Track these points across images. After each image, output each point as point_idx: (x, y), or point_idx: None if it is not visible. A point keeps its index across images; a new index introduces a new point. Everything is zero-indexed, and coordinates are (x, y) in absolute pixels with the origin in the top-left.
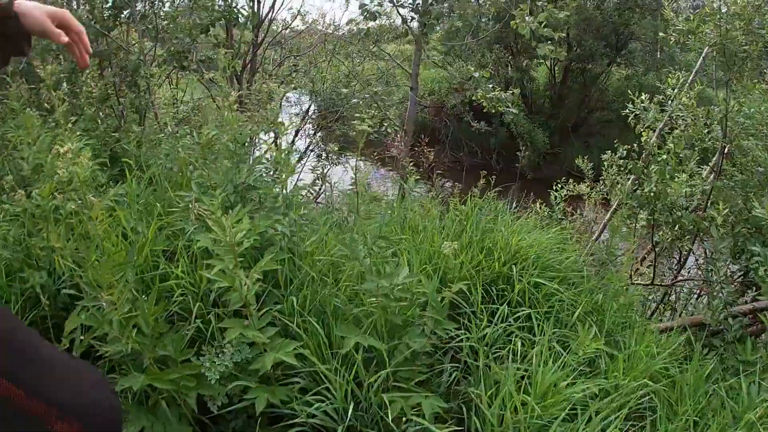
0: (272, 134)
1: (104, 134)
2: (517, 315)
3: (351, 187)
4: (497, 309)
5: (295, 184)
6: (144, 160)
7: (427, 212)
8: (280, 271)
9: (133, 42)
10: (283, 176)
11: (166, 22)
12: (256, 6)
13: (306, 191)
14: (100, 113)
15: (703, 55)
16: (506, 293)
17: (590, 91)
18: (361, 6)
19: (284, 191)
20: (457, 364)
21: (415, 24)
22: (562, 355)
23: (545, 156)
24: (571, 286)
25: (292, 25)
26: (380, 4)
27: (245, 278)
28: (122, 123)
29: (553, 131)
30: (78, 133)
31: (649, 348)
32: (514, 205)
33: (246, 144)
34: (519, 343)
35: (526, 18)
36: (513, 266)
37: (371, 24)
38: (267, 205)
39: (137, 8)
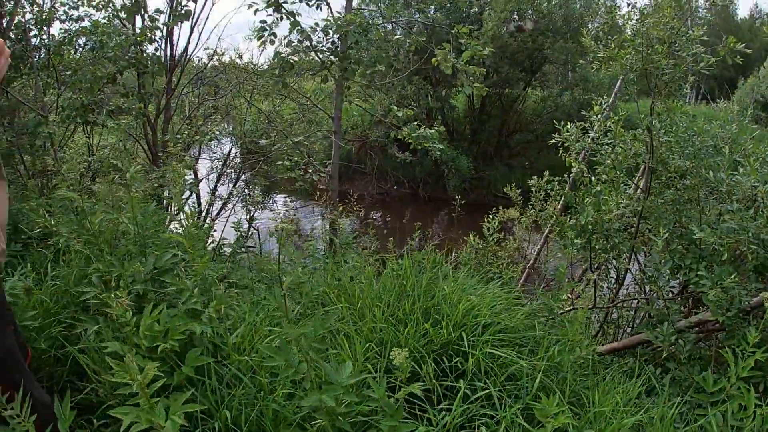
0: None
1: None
2: (477, 395)
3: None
4: (452, 385)
5: (218, 243)
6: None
7: (362, 270)
8: (207, 376)
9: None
10: (198, 267)
11: (68, 72)
12: (169, 50)
13: (231, 250)
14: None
15: (621, 78)
16: (459, 364)
17: (509, 114)
18: (276, 54)
19: (198, 288)
20: None
21: (335, 67)
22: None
23: (471, 181)
24: (525, 348)
25: (209, 65)
26: (296, 51)
27: (165, 419)
28: (25, 189)
29: (476, 156)
30: None
31: (614, 398)
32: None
33: (149, 226)
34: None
35: (449, 56)
36: (462, 333)
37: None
38: (182, 303)
39: (36, 58)
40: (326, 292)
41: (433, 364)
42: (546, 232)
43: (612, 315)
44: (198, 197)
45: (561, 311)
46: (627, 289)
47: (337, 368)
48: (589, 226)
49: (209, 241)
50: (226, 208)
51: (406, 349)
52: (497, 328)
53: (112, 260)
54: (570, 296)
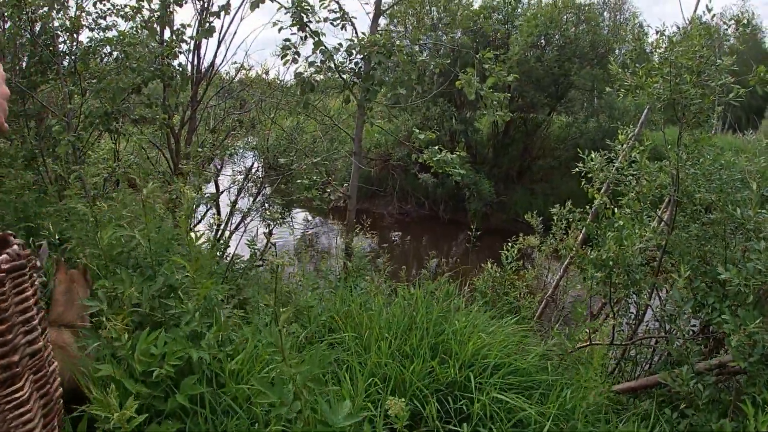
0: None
1: (23, 207)
2: None
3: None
4: (455, 430)
5: (231, 259)
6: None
7: (373, 296)
8: (201, 404)
9: (60, 100)
10: (199, 293)
11: (94, 80)
12: (196, 61)
13: (244, 267)
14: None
15: (647, 107)
16: (465, 407)
17: (532, 139)
18: (297, 75)
19: (198, 313)
20: None
21: (357, 88)
22: None
23: (491, 204)
24: (536, 391)
25: (236, 79)
26: (318, 71)
27: None
28: (45, 193)
29: (498, 180)
30: None
31: None
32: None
33: (163, 243)
34: None
35: (473, 80)
36: (470, 373)
37: (313, 82)
38: (183, 325)
39: (64, 64)
40: (334, 318)
41: (437, 404)
42: (566, 262)
43: (630, 352)
44: (218, 209)
45: (577, 347)
46: (647, 325)
47: (335, 407)
48: (610, 262)
49: (225, 253)
50: (245, 222)
51: (402, 400)
52: (507, 369)
53: (122, 275)
54: (587, 331)
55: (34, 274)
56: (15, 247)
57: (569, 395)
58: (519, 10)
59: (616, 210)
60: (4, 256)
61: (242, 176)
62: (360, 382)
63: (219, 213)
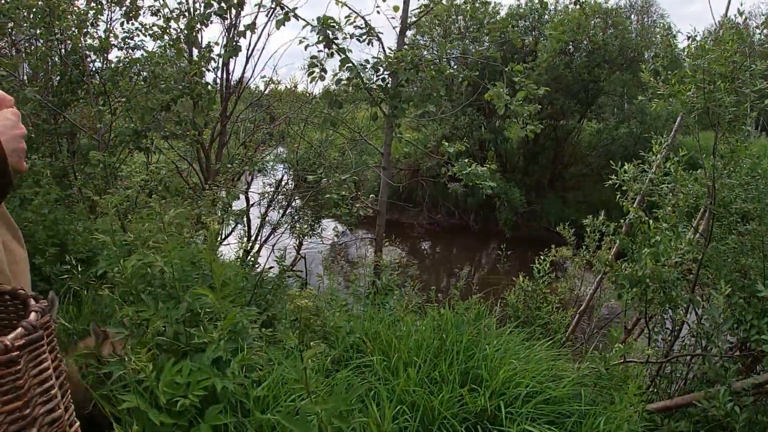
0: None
1: (52, 224)
2: None
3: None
4: None
5: (260, 273)
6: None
7: (402, 317)
8: None
9: (91, 115)
10: (224, 324)
11: (123, 99)
12: (225, 77)
13: (273, 283)
14: (52, 195)
15: (681, 115)
16: None
17: (563, 146)
18: (326, 94)
19: (223, 341)
20: None
21: (385, 104)
22: None
23: (523, 213)
24: (570, 419)
25: (266, 92)
26: (346, 91)
27: None
28: (74, 210)
29: (529, 188)
30: None
31: None
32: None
33: (191, 265)
34: None
35: (503, 92)
36: (501, 402)
37: (340, 95)
38: (208, 353)
39: (95, 82)
40: (362, 340)
41: None
42: (600, 277)
43: (665, 369)
44: (248, 222)
45: (611, 364)
46: (683, 340)
47: None
48: (647, 280)
49: (255, 265)
50: (275, 234)
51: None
52: (540, 398)
53: (146, 300)
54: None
55: (54, 339)
56: (32, 315)
57: (603, 424)
58: (546, 16)
59: (651, 222)
60: (20, 330)
61: (272, 189)
62: (387, 411)
63: (249, 226)
